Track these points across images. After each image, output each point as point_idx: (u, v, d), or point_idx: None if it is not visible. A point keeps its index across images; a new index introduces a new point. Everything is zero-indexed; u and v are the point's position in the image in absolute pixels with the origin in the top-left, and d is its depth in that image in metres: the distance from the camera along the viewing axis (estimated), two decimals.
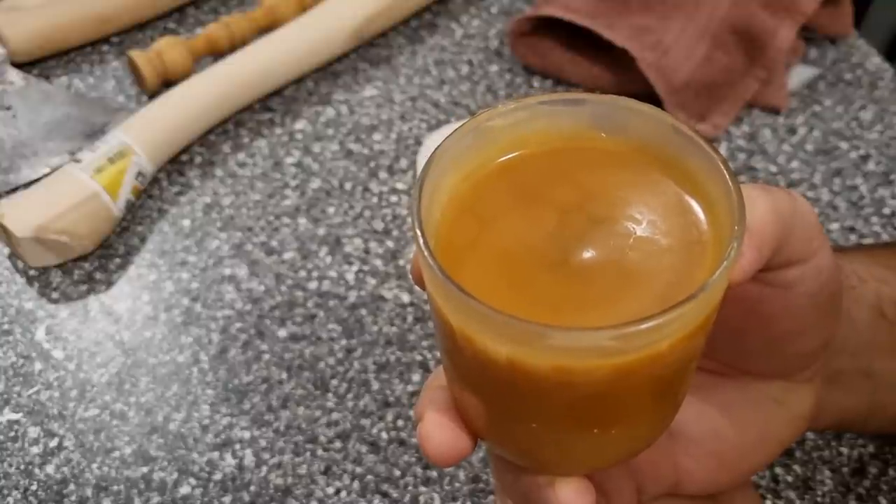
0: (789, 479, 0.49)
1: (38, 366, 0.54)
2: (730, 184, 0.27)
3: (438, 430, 0.31)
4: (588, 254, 0.28)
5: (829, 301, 0.34)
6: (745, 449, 0.36)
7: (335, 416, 0.52)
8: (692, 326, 0.26)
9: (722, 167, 0.28)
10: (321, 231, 0.60)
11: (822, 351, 0.36)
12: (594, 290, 0.27)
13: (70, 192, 0.57)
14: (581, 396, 0.27)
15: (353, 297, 0.57)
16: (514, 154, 0.31)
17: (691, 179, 0.29)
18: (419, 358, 0.54)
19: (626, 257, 0.28)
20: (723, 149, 0.65)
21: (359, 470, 0.50)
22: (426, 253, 0.26)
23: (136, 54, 0.66)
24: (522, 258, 0.28)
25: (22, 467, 0.50)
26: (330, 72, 0.70)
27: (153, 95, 0.66)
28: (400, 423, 0.51)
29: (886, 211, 0.62)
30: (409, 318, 0.56)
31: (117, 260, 0.59)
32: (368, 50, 0.71)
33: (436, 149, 0.29)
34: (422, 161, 0.63)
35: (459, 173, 0.30)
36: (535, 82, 0.69)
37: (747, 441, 0.36)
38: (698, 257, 0.28)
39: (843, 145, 0.65)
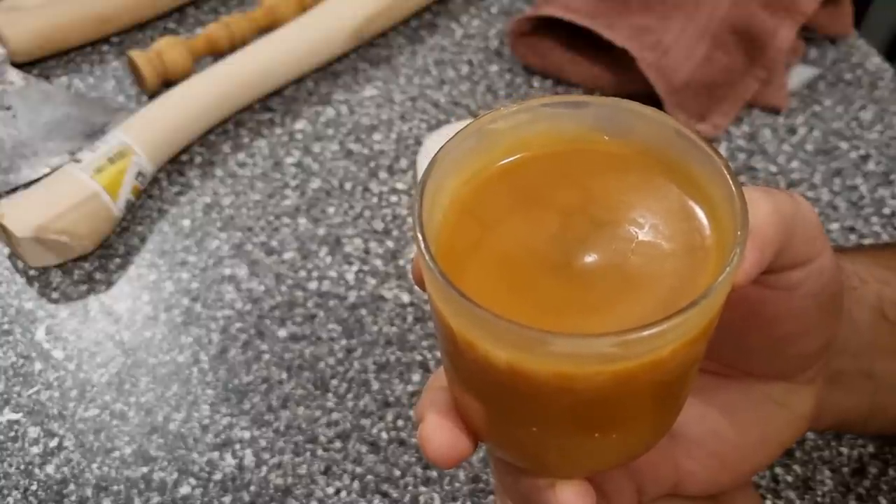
0: (789, 479, 0.49)
1: (38, 366, 0.54)
2: (733, 188, 0.27)
3: (439, 432, 0.31)
4: (590, 258, 0.28)
5: (831, 302, 0.34)
6: (746, 450, 0.37)
7: (335, 416, 0.52)
8: (694, 332, 0.26)
9: (725, 171, 0.27)
10: (321, 231, 0.60)
11: (824, 352, 0.36)
12: (596, 294, 0.27)
13: (70, 192, 0.57)
14: (582, 402, 0.27)
15: (353, 297, 0.57)
16: (516, 157, 0.30)
17: (694, 183, 0.29)
18: (419, 358, 0.54)
19: (629, 261, 0.28)
20: (723, 149, 0.65)
21: (359, 470, 0.50)
22: (427, 256, 0.26)
23: (136, 54, 0.66)
24: (524, 261, 0.28)
25: (22, 467, 0.50)
26: (330, 72, 0.70)
27: (153, 95, 0.66)
28: (400, 423, 0.51)
29: (886, 211, 0.62)
30: (409, 318, 0.56)
31: (117, 260, 0.59)
32: (368, 50, 0.71)
33: (438, 151, 0.29)
34: (422, 161, 0.63)
35: (461, 176, 0.30)
36: (535, 82, 0.69)
37: (748, 442, 0.36)
38: (701, 262, 0.27)
39: (843, 145, 0.65)
